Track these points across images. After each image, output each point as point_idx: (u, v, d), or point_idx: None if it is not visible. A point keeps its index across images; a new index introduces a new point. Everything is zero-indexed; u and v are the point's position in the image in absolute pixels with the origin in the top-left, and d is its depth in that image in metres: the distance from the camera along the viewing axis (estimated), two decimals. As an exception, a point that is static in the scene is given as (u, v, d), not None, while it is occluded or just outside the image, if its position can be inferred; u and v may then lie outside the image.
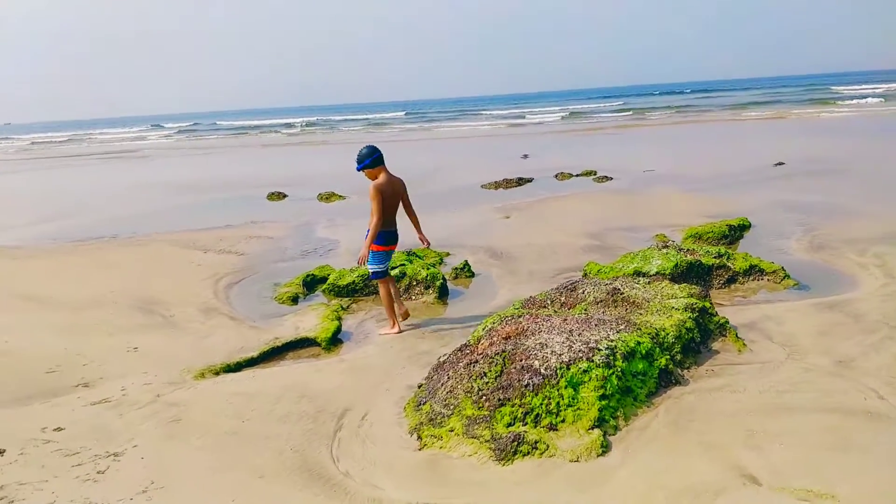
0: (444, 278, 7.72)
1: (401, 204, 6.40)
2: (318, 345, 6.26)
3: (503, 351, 4.54)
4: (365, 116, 78.76)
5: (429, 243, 6.64)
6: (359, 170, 6.32)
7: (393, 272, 7.56)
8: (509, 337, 4.91)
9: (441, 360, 5.13)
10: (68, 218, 15.22)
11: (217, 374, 5.66)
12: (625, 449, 3.92)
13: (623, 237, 9.85)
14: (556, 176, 17.54)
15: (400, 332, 6.43)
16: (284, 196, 17.00)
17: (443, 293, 7.57)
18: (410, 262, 8.14)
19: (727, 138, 26.83)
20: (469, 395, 4.19)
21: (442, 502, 3.52)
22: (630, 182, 15.70)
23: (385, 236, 6.29)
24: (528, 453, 3.79)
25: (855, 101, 45.76)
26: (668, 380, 4.65)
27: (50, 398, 5.17)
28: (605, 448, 3.86)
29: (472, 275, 8.39)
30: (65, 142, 65.36)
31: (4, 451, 4.29)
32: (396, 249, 6.70)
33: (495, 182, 16.83)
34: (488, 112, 69.30)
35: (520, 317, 5.28)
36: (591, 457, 3.79)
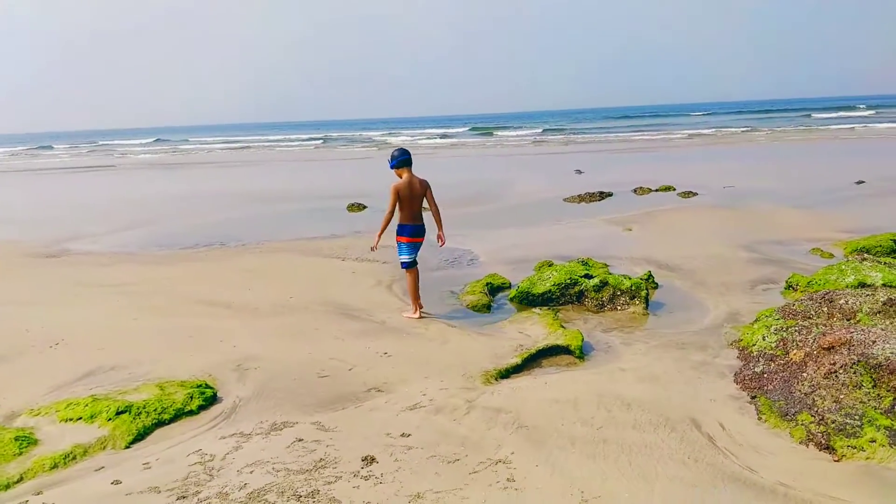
0: (647, 289, 7.64)
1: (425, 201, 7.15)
2: (570, 353, 6.13)
3: (859, 361, 4.46)
4: (394, 132, 77.81)
5: (444, 242, 7.39)
6: (391, 167, 7.10)
7: (592, 281, 7.57)
8: (833, 347, 4.84)
9: (758, 370, 5.05)
10: (150, 225, 15.00)
11: (496, 379, 5.52)
12: None
13: (779, 250, 9.86)
14: (635, 191, 17.60)
15: (421, 317, 7.15)
16: (364, 207, 16.84)
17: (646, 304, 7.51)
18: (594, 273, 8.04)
19: (783, 156, 27.16)
20: (864, 404, 4.10)
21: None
22: (717, 198, 15.76)
23: (410, 230, 7.13)
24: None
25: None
26: None
27: (356, 403, 5.01)
28: None
29: (657, 286, 8.31)
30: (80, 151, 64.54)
31: (374, 458, 4.12)
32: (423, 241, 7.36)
33: (578, 196, 16.84)
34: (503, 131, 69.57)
35: (831, 328, 5.21)
36: None
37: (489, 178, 22.53)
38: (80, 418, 4.70)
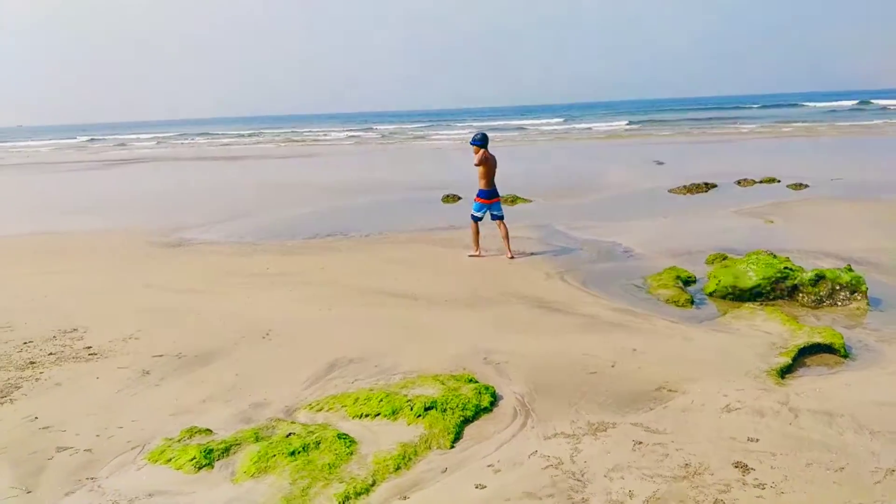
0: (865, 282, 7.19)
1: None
2: (832, 351, 5.71)
3: None
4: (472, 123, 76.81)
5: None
6: (472, 144, 9.27)
7: (807, 275, 7.19)
8: None
9: None
10: (252, 216, 14.75)
11: (780, 377, 5.11)
12: None
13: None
14: (738, 182, 17.08)
15: (481, 256, 9.42)
16: (459, 198, 16.49)
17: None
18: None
19: (860, 147, 26.41)
20: None
21: None
22: (834, 190, 15.19)
23: (487, 193, 9.36)
24: None
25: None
26: None
27: (658, 402, 4.65)
28: None
29: (859, 281, 7.82)
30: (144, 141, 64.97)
31: (745, 464, 3.74)
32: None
33: (684, 187, 16.36)
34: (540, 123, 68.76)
35: None
36: None
37: (571, 169, 22.09)
38: (379, 414, 4.37)
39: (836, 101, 79.03)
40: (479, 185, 9.36)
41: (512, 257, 9.32)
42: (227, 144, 55.22)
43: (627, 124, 56.81)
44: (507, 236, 9.48)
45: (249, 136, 69.25)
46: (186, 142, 63.08)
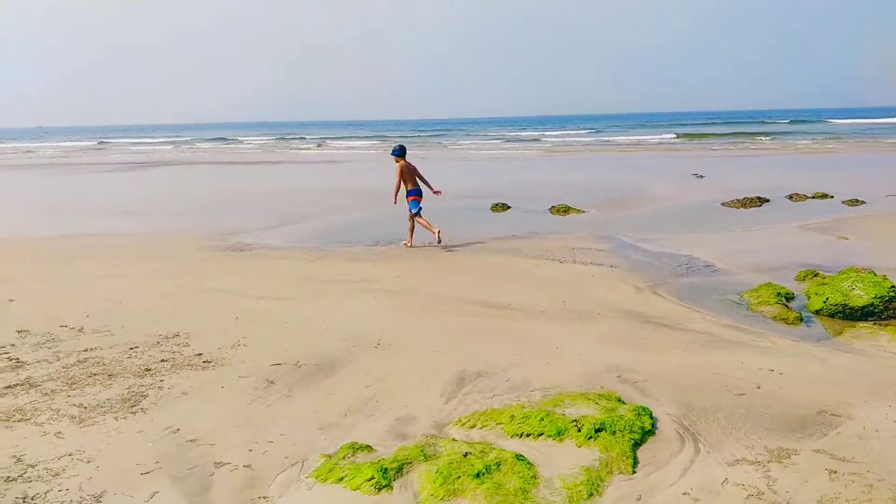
0: None
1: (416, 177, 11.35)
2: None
3: None
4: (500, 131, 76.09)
5: (438, 192, 11.69)
6: (392, 154, 11.44)
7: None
8: None
9: None
10: (305, 221, 14.62)
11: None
12: None
13: None
14: (790, 197, 16.85)
15: (412, 246, 11.17)
16: (507, 207, 16.32)
17: None
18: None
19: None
20: None
21: None
22: (889, 207, 14.93)
23: (415, 192, 11.24)
24: None
25: None
26: None
27: (829, 427, 4.42)
28: None
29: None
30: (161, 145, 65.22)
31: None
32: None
33: (737, 200, 16.18)
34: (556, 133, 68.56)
35: None
36: None
37: (612, 180, 21.90)
38: (542, 434, 4.16)
39: (865, 118, 78.35)
40: (407, 186, 11.21)
41: (410, 245, 11.16)
42: (253, 149, 55.27)
43: (676, 137, 55.49)
44: (413, 228, 11.37)
45: (277, 140, 69.43)
46: (210, 146, 63.15)
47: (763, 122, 78.14)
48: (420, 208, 11.29)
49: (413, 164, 11.50)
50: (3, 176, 30.68)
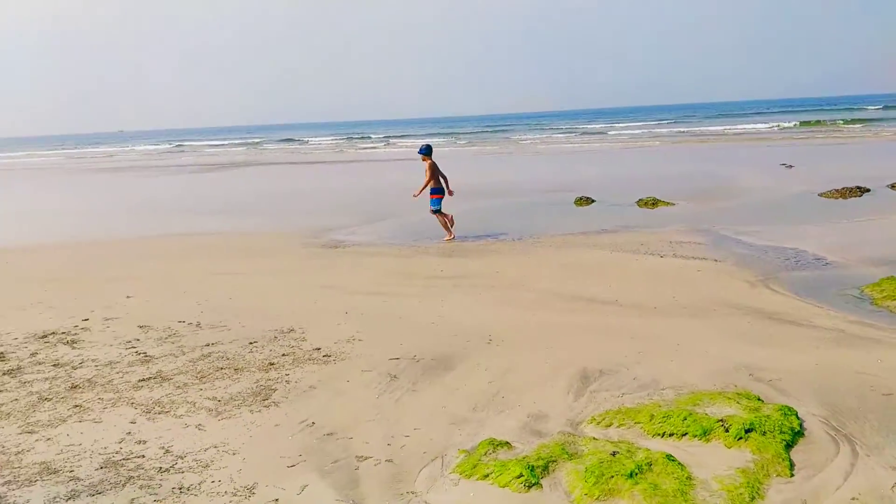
0: None
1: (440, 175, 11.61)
2: None
3: None
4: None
5: (451, 192, 11.93)
6: (419, 153, 11.92)
7: None
8: None
9: None
10: (390, 218, 14.70)
11: None
12: None
13: None
14: (892, 186, 15.90)
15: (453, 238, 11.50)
16: (592, 201, 16.02)
17: None
18: None
19: None
20: None
21: None
22: None
23: (439, 190, 11.59)
24: None
25: None
26: None
27: None
28: None
29: None
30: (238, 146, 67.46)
31: None
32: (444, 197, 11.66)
33: (836, 190, 15.39)
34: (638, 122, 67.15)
35: None
36: None
37: (697, 172, 21.24)
38: (686, 434, 4.00)
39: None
40: (432, 185, 11.60)
41: (452, 237, 11.60)
42: (323, 149, 56.39)
43: (792, 125, 52.60)
44: (446, 223, 11.82)
45: (347, 139, 70.66)
46: (280, 147, 64.77)
47: (850, 110, 73.86)
48: (440, 209, 11.72)
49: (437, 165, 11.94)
50: (102, 178, 32.25)
